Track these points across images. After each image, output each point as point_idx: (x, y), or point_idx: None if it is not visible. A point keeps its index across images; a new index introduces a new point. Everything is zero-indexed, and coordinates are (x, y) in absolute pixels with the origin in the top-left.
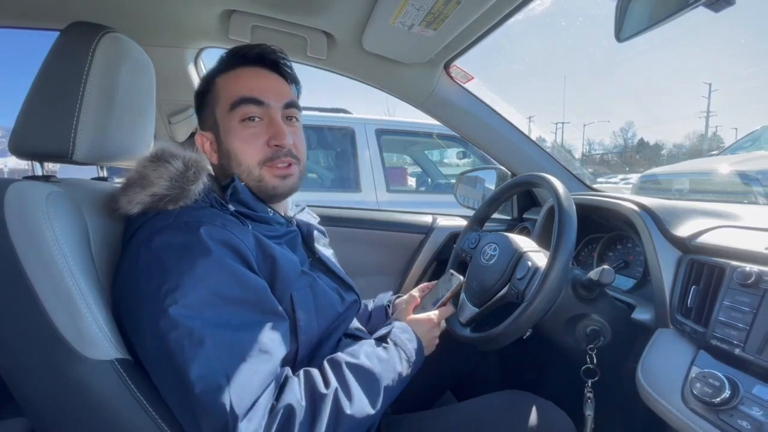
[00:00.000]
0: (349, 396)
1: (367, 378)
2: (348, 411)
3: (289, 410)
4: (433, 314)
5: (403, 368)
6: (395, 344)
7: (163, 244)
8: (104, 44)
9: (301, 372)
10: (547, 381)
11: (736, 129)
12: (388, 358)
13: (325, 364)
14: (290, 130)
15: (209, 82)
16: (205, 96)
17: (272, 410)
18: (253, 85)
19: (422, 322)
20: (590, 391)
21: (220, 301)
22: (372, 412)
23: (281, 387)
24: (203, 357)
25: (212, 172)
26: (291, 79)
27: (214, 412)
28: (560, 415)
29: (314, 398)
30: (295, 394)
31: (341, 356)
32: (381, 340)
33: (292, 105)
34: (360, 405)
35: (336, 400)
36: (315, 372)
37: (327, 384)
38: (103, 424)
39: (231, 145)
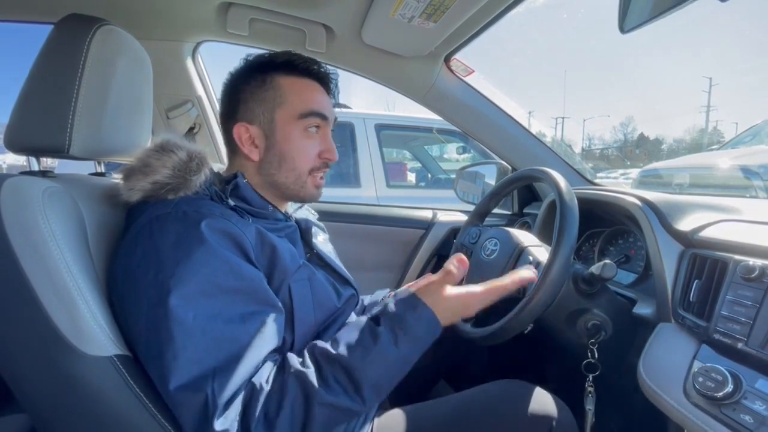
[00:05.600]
0: (324, 384)
1: (344, 371)
2: (320, 399)
3: (258, 393)
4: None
5: (401, 351)
6: (391, 323)
7: (160, 232)
8: (99, 37)
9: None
10: (548, 375)
11: (737, 123)
12: (376, 346)
13: (305, 353)
14: None
15: (268, 75)
16: (261, 90)
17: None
18: (322, 100)
19: (435, 285)
20: (591, 386)
21: (215, 291)
22: (351, 402)
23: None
24: (192, 347)
25: (213, 167)
26: (334, 101)
27: (195, 401)
28: (558, 404)
29: (283, 386)
30: (270, 383)
31: (320, 347)
32: (376, 322)
33: (334, 123)
34: (334, 395)
35: (305, 389)
36: (293, 359)
37: (299, 375)
38: (103, 420)
39: (289, 151)
